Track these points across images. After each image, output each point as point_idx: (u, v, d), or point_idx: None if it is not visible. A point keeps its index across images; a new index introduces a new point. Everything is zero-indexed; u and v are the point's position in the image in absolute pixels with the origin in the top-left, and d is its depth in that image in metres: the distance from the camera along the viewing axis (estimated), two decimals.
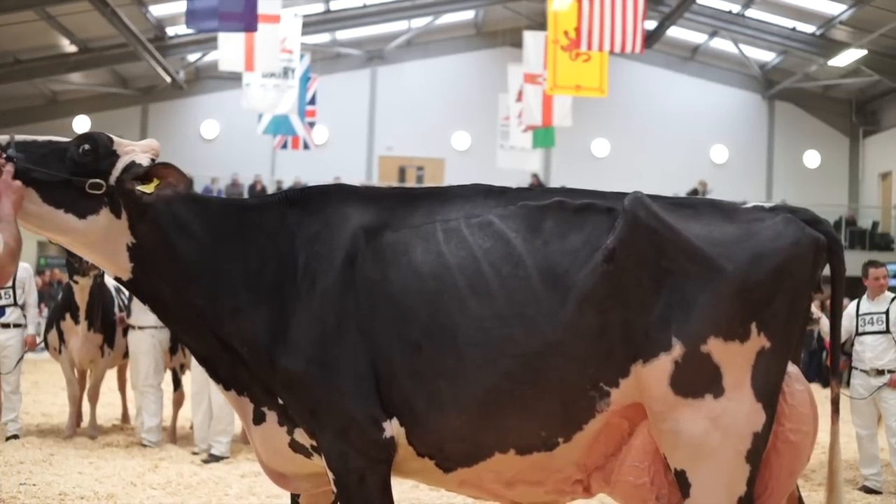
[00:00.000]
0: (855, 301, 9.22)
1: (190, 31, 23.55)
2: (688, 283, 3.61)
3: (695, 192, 28.30)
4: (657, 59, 30.06)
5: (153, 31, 26.26)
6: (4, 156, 3.68)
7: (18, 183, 3.66)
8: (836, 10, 25.13)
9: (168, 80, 27.82)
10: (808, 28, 26.67)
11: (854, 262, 13.16)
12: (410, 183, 29.67)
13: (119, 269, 3.91)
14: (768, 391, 3.64)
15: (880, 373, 8.72)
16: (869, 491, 8.56)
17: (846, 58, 26.20)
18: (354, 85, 30.20)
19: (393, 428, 3.75)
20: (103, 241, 3.84)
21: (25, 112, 28.03)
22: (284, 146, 25.71)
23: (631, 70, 29.41)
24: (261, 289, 3.88)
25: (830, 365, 4.14)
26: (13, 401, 9.67)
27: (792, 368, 3.77)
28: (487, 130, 27.82)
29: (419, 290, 3.76)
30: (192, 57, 28.75)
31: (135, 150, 3.89)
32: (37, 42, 25.42)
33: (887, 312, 8.78)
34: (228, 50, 20.81)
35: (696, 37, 29.70)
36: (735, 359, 3.60)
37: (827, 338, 9.67)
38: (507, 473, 3.81)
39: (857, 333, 8.91)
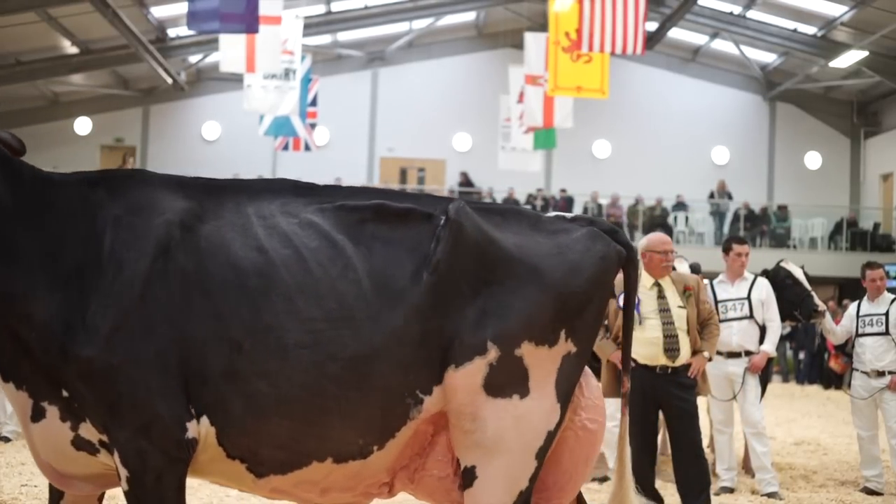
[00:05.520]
0: (856, 302, 9.23)
1: (191, 32, 23.54)
2: (505, 291, 3.75)
3: (711, 194, 28.55)
4: (658, 61, 30.03)
5: (154, 33, 26.27)
6: None
7: None
8: (838, 11, 25.12)
9: (169, 81, 27.82)
10: (810, 29, 26.66)
11: (855, 263, 13.16)
12: (412, 184, 29.71)
13: None
14: (567, 392, 3.85)
15: (880, 374, 8.72)
16: (870, 493, 8.55)
17: (847, 59, 26.19)
18: (356, 86, 30.18)
19: (200, 428, 3.58)
20: None
21: (27, 113, 28.03)
22: (286, 147, 25.72)
23: (632, 71, 29.39)
24: (58, 271, 3.60)
25: (622, 364, 4.33)
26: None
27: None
28: (488, 132, 27.83)
29: (240, 286, 3.61)
30: (193, 58, 28.75)
31: None
32: (38, 43, 25.41)
33: (887, 314, 8.78)
34: (229, 51, 20.81)
35: (697, 38, 29.69)
36: (543, 362, 3.77)
37: (828, 336, 9.67)
38: (323, 483, 3.75)
39: (858, 335, 8.92)
